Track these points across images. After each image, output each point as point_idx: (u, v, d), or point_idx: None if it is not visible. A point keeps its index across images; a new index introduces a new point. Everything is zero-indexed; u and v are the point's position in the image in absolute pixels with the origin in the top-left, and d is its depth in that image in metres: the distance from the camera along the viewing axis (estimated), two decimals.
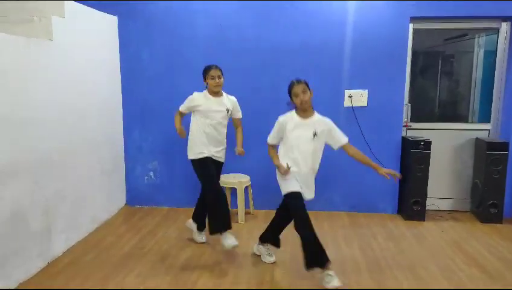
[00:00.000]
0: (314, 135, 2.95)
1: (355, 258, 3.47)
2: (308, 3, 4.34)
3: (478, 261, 3.44)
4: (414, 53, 4.58)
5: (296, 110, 3.02)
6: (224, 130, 3.58)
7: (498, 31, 4.47)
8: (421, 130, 4.60)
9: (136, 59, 4.59)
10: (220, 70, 3.48)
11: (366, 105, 4.46)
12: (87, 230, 3.95)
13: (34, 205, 3.13)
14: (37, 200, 3.18)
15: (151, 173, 4.80)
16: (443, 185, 4.70)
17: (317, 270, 2.92)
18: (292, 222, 3.03)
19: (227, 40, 4.47)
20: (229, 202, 4.63)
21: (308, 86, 2.96)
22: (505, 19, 4.39)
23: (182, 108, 3.60)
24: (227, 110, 3.53)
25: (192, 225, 3.80)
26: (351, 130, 4.16)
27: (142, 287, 2.97)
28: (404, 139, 4.46)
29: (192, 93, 3.57)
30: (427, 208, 4.43)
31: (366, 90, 4.45)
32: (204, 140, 3.47)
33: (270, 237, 3.35)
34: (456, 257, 3.50)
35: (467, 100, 4.87)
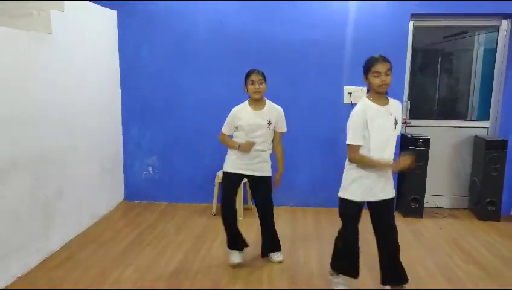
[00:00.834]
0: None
1: None
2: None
3: (476, 258, 3.45)
4: (414, 50, 4.57)
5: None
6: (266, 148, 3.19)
7: (498, 29, 4.46)
8: (420, 127, 4.61)
9: (135, 54, 4.57)
10: (263, 75, 3.08)
11: None
12: (86, 225, 3.95)
13: (33, 200, 3.13)
14: (36, 196, 3.17)
15: (150, 169, 4.79)
16: (441, 182, 4.70)
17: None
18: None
19: (227, 37, 4.45)
20: None
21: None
22: (505, 16, 4.38)
23: (224, 129, 3.20)
24: (269, 123, 3.13)
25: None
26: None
27: (139, 283, 2.97)
28: (403, 136, 4.46)
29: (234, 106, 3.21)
30: (425, 205, 4.43)
31: (366, 87, 4.41)
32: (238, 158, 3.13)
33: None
34: (453, 254, 3.51)
35: (466, 98, 4.87)
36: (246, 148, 3.06)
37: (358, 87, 4.43)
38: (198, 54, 4.48)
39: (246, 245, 3.33)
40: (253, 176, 3.17)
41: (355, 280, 2.79)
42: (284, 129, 3.24)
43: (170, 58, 4.55)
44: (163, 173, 4.77)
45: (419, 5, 4.25)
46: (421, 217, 4.38)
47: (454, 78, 5.04)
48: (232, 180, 3.21)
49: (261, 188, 3.22)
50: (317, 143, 4.54)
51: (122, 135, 4.73)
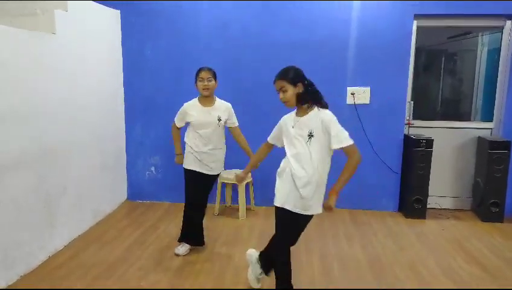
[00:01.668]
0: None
1: (356, 255, 3.47)
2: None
3: (479, 259, 3.44)
4: (417, 51, 4.56)
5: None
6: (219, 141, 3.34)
7: (502, 30, 4.45)
8: (423, 128, 4.59)
9: (139, 53, 4.58)
10: (213, 72, 3.22)
11: (368, 102, 4.45)
12: (89, 224, 3.96)
13: (36, 199, 3.14)
14: (39, 194, 3.18)
15: (153, 168, 4.80)
16: (445, 183, 4.69)
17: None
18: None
19: (230, 35, 4.45)
20: (230, 198, 4.66)
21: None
22: (509, 17, 4.36)
23: (176, 121, 3.41)
24: (219, 119, 3.28)
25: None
26: (352, 127, 4.14)
27: (143, 282, 2.98)
28: (407, 137, 4.45)
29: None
30: (428, 206, 4.43)
31: (369, 88, 4.44)
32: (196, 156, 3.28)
33: None
34: (456, 255, 3.51)
35: (469, 99, 4.85)
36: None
37: (362, 88, 4.42)
38: (201, 53, 4.48)
39: (202, 244, 3.48)
40: (210, 175, 3.35)
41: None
42: (236, 123, 3.42)
43: (173, 57, 4.55)
44: (166, 173, 4.77)
45: (423, 6, 4.24)
46: (424, 218, 4.37)
47: (458, 79, 5.03)
48: (196, 178, 3.31)
49: (212, 185, 3.44)
50: None
51: (126, 133, 4.74)
